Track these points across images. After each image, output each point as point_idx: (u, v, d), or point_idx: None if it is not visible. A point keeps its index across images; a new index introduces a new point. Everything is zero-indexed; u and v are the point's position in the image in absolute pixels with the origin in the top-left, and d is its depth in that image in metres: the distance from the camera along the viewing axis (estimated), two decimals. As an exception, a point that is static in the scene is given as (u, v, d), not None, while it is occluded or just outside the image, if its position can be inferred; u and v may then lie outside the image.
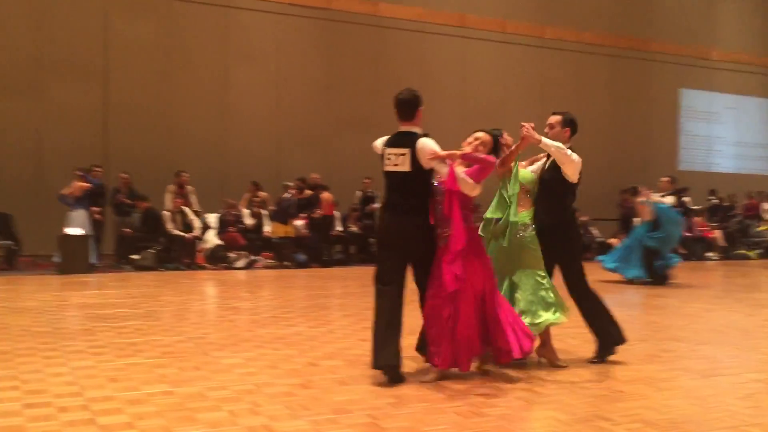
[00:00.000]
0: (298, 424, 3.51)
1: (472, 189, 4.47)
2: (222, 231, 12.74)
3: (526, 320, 4.70)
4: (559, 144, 4.95)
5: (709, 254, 16.38)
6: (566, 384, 4.39)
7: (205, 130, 14.84)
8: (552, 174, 5.01)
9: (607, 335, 5.03)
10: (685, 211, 16.81)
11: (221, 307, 7.95)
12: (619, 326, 5.09)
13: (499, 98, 17.56)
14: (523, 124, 4.75)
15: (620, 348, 5.32)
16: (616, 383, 4.43)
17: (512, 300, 4.82)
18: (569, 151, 4.92)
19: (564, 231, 4.94)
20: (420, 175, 4.55)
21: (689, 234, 16.26)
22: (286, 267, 12.67)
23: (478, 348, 4.47)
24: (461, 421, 3.59)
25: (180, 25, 14.68)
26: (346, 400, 3.93)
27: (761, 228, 17.83)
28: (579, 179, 5.04)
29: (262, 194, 13.48)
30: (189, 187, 13.13)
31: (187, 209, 12.57)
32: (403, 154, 4.65)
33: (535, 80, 18.05)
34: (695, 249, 16.15)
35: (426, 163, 4.54)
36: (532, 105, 17.93)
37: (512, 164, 4.83)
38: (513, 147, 4.81)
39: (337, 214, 13.93)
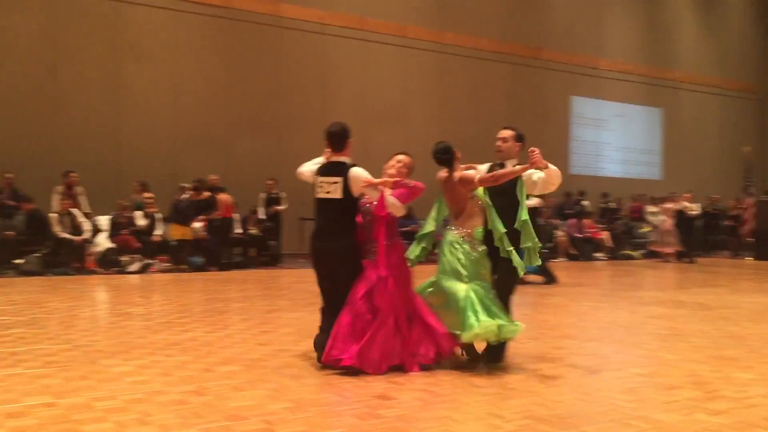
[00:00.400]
0: (190, 432, 3.40)
1: (399, 211, 4.95)
2: (114, 234, 12.25)
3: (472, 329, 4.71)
4: (555, 168, 5.09)
5: (598, 254, 17.15)
6: (462, 384, 4.47)
7: (97, 129, 14.25)
8: (514, 187, 5.08)
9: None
10: (580, 214, 17.59)
11: (112, 313, 7.63)
12: None
13: (399, 102, 17.77)
14: (533, 149, 4.96)
15: (515, 347, 5.49)
16: (509, 381, 4.56)
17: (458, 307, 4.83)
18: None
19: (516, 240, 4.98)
20: (350, 201, 4.96)
21: (579, 235, 17.00)
22: (183, 270, 12.33)
23: (395, 357, 4.73)
24: (358, 423, 3.59)
25: (67, 18, 14.04)
26: (242, 406, 3.85)
27: (645, 229, 18.84)
28: None
29: (148, 195, 12.95)
30: (78, 188, 12.57)
31: (75, 211, 12.01)
32: (335, 182, 4.98)
33: (435, 85, 18.38)
34: (584, 249, 16.89)
35: (357, 191, 4.94)
36: (431, 109, 18.27)
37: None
38: (517, 168, 5.06)
39: (236, 216, 13.68)
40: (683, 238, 16.63)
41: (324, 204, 5.00)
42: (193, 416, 3.66)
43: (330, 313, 4.92)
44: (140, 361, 4.99)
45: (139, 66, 14.73)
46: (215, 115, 15.51)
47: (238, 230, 13.61)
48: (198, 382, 4.41)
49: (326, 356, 4.69)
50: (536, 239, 4.96)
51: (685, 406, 4.01)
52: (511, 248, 4.88)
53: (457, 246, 5.04)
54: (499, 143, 5.45)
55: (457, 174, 5.20)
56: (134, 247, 12.26)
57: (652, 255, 17.24)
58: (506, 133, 5.50)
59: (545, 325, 6.91)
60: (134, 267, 11.99)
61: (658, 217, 17.36)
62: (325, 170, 5.15)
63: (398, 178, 5.05)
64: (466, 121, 18.71)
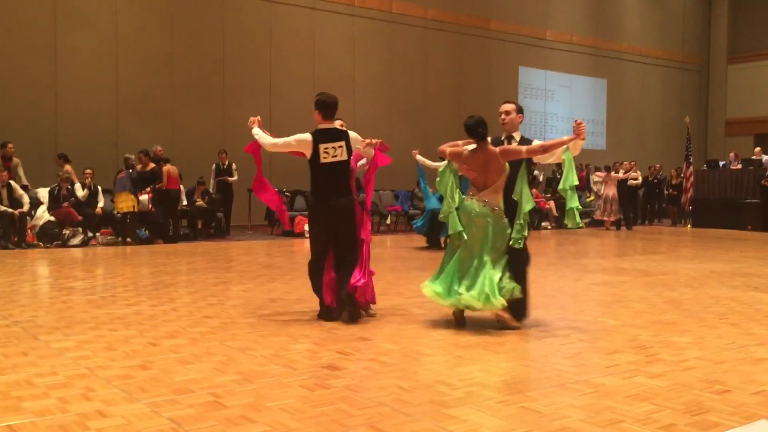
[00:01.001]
0: (135, 407, 3.35)
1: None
2: (55, 206, 11.91)
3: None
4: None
5: (545, 224, 17.45)
6: (411, 353, 4.51)
7: (34, 98, 13.77)
8: (521, 162, 5.36)
9: None
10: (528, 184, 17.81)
11: (54, 287, 7.44)
12: None
13: (348, 71, 17.62)
14: (580, 121, 5.28)
15: (466, 315, 5.58)
16: (457, 349, 4.61)
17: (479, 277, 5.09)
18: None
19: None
20: (349, 161, 5.68)
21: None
22: (128, 244, 12.09)
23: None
24: (306, 394, 3.59)
25: (1, -19, 13.46)
26: (188, 380, 3.81)
27: (590, 199, 19.22)
28: None
29: (68, 168, 12.47)
30: (15, 160, 12.15)
31: (13, 183, 11.62)
32: (341, 146, 5.59)
33: (384, 54, 18.27)
34: (532, 219, 17.13)
35: (355, 149, 5.73)
36: (380, 78, 18.18)
37: (563, 156, 5.30)
38: (565, 138, 5.29)
39: (181, 188, 13.44)
40: (625, 207, 17.06)
41: (333, 166, 5.59)
42: (138, 390, 3.61)
43: (331, 259, 5.61)
44: (83, 336, 4.88)
45: (79, 33, 14.24)
46: (158, 85, 15.14)
47: (184, 202, 13.39)
48: (143, 356, 4.34)
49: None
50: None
51: (626, 369, 4.13)
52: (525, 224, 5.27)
53: (490, 220, 5.20)
54: (503, 117, 5.63)
55: (500, 148, 5.35)
56: (76, 220, 11.94)
57: (596, 223, 17.62)
58: (508, 106, 5.67)
59: (492, 294, 6.99)
60: (76, 240, 11.70)
61: (602, 186, 17.71)
62: (325, 137, 5.65)
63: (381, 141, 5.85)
64: (415, 90, 18.70)
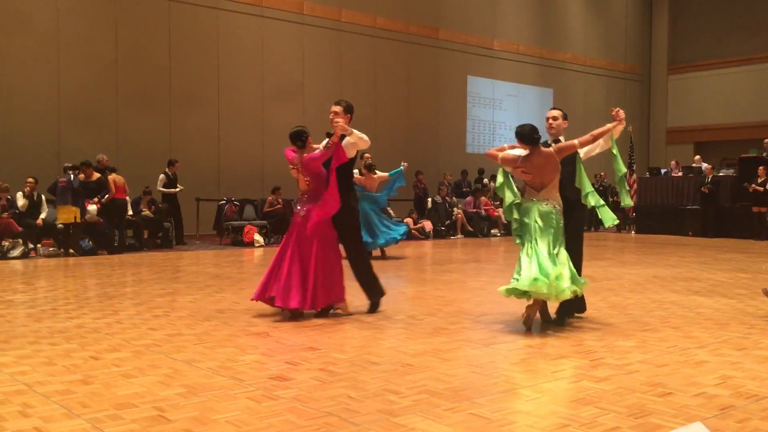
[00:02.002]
0: (75, 423, 3.25)
1: None
2: (-7, 217, 11.53)
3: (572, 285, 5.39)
4: None
5: (494, 231, 17.65)
6: (360, 362, 4.49)
7: (-29, 105, 13.32)
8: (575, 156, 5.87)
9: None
10: (477, 191, 18.00)
11: (-9, 301, 7.19)
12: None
13: (297, 79, 17.55)
14: (618, 109, 5.88)
15: (411, 324, 5.59)
16: (406, 357, 4.61)
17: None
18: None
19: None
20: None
21: (475, 211, 17.42)
22: (71, 255, 11.77)
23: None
24: (253, 406, 3.54)
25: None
26: (131, 394, 3.72)
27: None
28: None
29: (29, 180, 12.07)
30: (-48, 169, 11.72)
31: (-51, 193, 11.22)
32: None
33: (333, 62, 18.26)
34: (481, 226, 17.33)
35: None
36: (330, 87, 18.14)
37: (612, 146, 5.85)
38: (608, 125, 5.83)
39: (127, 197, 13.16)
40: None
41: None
42: (78, 406, 3.50)
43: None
44: (21, 351, 4.72)
45: (18, 37, 13.85)
46: (103, 92, 14.82)
47: (129, 212, 13.11)
48: (84, 370, 4.22)
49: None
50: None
51: (572, 374, 4.19)
52: (602, 203, 5.85)
53: (553, 217, 5.52)
54: (550, 122, 6.01)
55: (555, 146, 5.70)
56: (16, 231, 11.58)
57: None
58: (555, 112, 6.04)
59: (441, 301, 7.04)
60: (16, 252, 11.34)
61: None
62: None
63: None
64: (364, 99, 18.70)
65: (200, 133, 15.96)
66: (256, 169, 16.53)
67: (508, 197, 5.78)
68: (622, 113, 5.86)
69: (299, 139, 6.14)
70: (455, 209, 17.21)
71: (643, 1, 26.63)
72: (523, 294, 5.38)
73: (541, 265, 5.29)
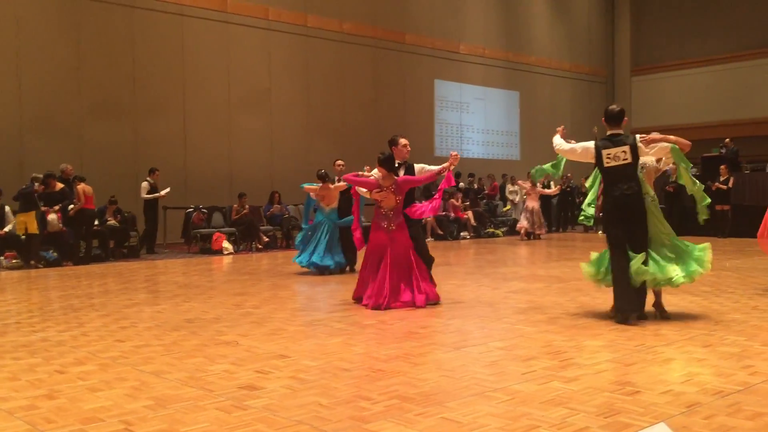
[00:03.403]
0: (39, 440, 3.18)
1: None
2: (-46, 230, 11.26)
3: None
4: None
5: (463, 234, 17.73)
6: (331, 369, 4.46)
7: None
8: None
9: None
10: (446, 194, 18.06)
11: (-48, 316, 7.01)
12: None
13: (264, 86, 17.46)
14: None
15: (382, 329, 5.58)
16: (377, 362, 4.60)
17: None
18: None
19: None
20: None
21: (445, 214, 17.48)
22: (33, 267, 11.53)
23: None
24: (223, 416, 3.50)
25: None
26: (97, 408, 3.65)
27: (506, 208, 19.67)
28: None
29: None
30: None
31: None
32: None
33: (300, 68, 18.20)
34: (451, 229, 17.39)
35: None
36: (297, 92, 18.10)
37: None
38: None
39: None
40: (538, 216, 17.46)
41: None
42: (43, 422, 3.43)
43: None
44: (-17, 366, 4.61)
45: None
46: (65, 100, 14.59)
47: (95, 222, 12.91)
48: (49, 385, 4.13)
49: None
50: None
51: (542, 375, 4.21)
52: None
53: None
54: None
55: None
56: (-22, 244, 11.33)
57: (514, 233, 18.01)
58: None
59: (411, 306, 7.03)
60: (-22, 265, 11.09)
61: (517, 197, 18.13)
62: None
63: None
64: (332, 104, 18.70)
65: (166, 141, 15.79)
66: (223, 176, 16.40)
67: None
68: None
69: (391, 162, 6.92)
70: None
71: (605, 5, 27.01)
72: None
73: None
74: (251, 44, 17.27)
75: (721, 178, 16.36)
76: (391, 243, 6.82)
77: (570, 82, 25.50)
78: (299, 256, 10.25)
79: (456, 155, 7.21)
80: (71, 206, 12.21)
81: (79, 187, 12.36)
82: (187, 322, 6.19)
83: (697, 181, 6.28)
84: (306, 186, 10.39)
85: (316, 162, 17.99)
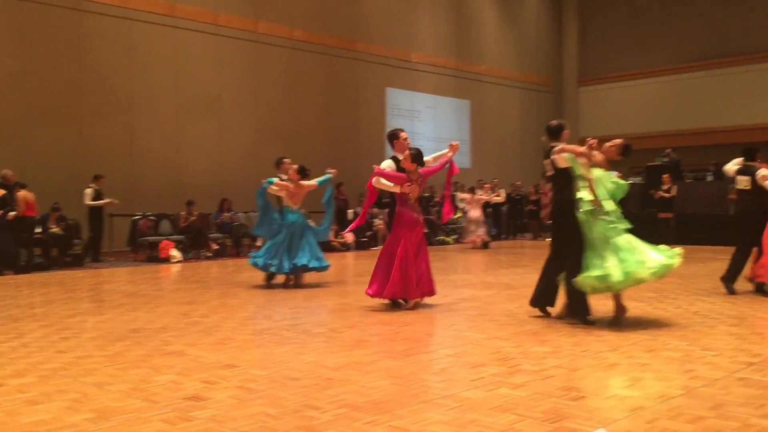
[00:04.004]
0: (-27, 456, 3.06)
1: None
2: None
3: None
4: None
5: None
6: (279, 378, 4.42)
7: None
8: None
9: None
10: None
11: None
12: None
13: (214, 91, 17.27)
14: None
15: (332, 337, 5.55)
16: (326, 371, 4.57)
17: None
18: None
19: None
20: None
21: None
22: (-27, 276, 11.15)
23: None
24: (167, 428, 3.42)
25: None
26: (36, 422, 3.53)
27: (457, 216, 19.81)
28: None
29: None
30: None
31: None
32: None
33: (251, 74, 18.06)
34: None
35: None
36: (247, 99, 17.96)
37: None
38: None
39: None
40: (489, 224, 17.62)
41: None
42: (-23, 438, 3.30)
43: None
44: None
45: None
46: (8, 105, 14.18)
47: (37, 229, 12.55)
48: (-15, 399, 3.98)
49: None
50: None
51: (490, 382, 4.24)
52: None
53: None
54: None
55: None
56: None
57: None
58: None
59: (362, 313, 7.02)
60: None
61: (465, 205, 18.27)
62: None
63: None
64: (283, 111, 18.60)
65: (113, 147, 15.46)
66: (172, 183, 16.13)
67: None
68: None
69: (421, 157, 7.37)
70: (376, 220, 17.27)
71: (553, 17, 27.54)
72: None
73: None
74: (201, 50, 17.06)
75: (664, 187, 16.79)
76: (419, 230, 7.31)
77: (519, 91, 25.89)
78: (273, 260, 9.07)
79: (456, 144, 7.62)
80: (11, 213, 11.83)
81: (19, 194, 11.99)
82: (132, 332, 6.05)
83: (595, 194, 6.14)
84: (276, 181, 9.20)
85: (267, 169, 17.86)
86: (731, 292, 7.98)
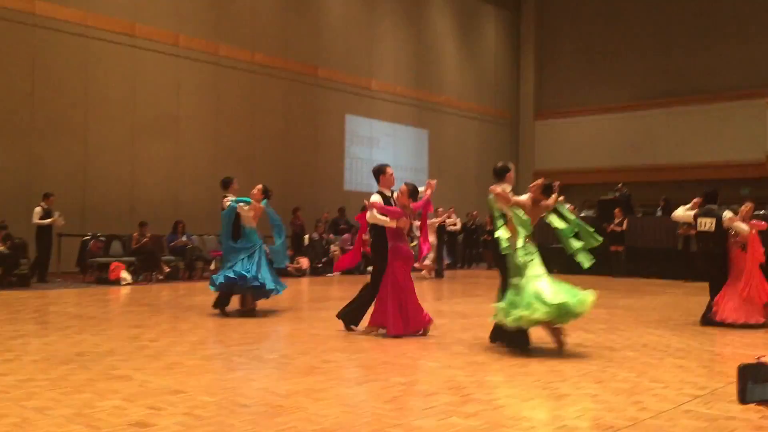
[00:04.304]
0: None
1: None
2: None
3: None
4: None
5: (369, 268, 17.70)
6: (228, 404, 4.33)
7: None
8: None
9: None
10: (353, 228, 18.09)
11: None
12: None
13: (172, 112, 17.09)
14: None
15: (284, 363, 5.48)
16: (277, 398, 4.50)
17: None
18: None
19: None
20: None
21: (350, 248, 17.47)
22: None
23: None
24: (110, 455, 3.32)
25: None
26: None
27: (413, 244, 19.85)
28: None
29: None
30: None
31: None
32: None
33: (210, 97, 17.94)
34: (359, 264, 17.36)
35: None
36: (206, 121, 17.81)
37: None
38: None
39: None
40: (441, 253, 17.60)
41: None
42: None
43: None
44: None
45: None
46: (-45, 119, 13.79)
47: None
48: None
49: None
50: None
51: (442, 411, 4.23)
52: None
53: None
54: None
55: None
56: None
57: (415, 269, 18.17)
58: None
59: (315, 339, 6.96)
60: None
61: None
62: None
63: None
64: (242, 134, 18.50)
65: (64, 165, 15.14)
66: (125, 203, 15.85)
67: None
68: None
69: (417, 193, 7.64)
70: (332, 246, 17.21)
71: (512, 52, 28.08)
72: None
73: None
74: (159, 70, 16.90)
75: (616, 221, 17.13)
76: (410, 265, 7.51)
77: (477, 122, 26.25)
78: (242, 272, 8.73)
79: (434, 183, 7.78)
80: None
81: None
82: (78, 355, 5.88)
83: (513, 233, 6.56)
84: (243, 203, 8.99)
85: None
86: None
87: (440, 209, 18.73)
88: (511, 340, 6.39)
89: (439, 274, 16.30)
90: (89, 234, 14.24)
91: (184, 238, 15.06)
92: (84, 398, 4.41)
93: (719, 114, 23.09)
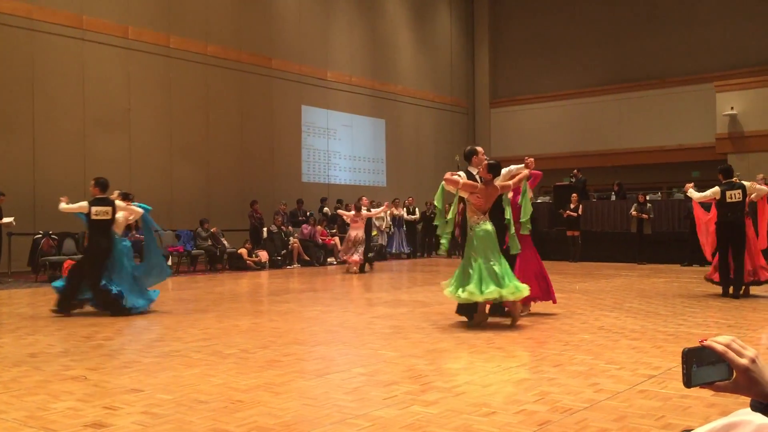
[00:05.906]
0: None
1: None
2: None
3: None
4: None
5: (330, 260, 17.72)
6: (186, 401, 4.28)
7: None
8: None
9: None
10: (326, 219, 18.04)
11: None
12: None
13: (122, 106, 16.75)
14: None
15: (244, 358, 5.43)
16: (236, 393, 4.46)
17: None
18: None
19: None
20: None
21: (311, 240, 17.43)
22: None
23: None
24: (65, 458, 3.25)
25: None
26: None
27: (374, 234, 19.86)
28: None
29: None
30: None
31: None
32: None
33: (162, 89, 17.63)
34: (318, 255, 17.35)
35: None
36: (159, 114, 17.51)
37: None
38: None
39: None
40: (406, 241, 17.73)
41: None
42: None
43: None
44: None
45: None
46: None
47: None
48: None
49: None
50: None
51: (402, 400, 4.24)
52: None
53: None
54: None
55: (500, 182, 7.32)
56: None
57: (380, 258, 18.18)
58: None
59: (275, 333, 6.92)
60: None
61: (385, 224, 18.36)
62: None
63: None
64: (196, 127, 18.24)
65: (12, 162, 14.74)
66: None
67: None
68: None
69: (499, 169, 7.52)
70: (291, 238, 17.12)
71: (466, 40, 28.21)
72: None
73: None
74: (109, 63, 16.54)
75: (572, 206, 17.38)
76: None
77: (434, 111, 26.33)
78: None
79: (531, 161, 8.18)
80: None
81: None
82: (30, 357, 5.74)
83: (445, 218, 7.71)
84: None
85: (179, 185, 17.45)
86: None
87: (396, 200, 18.76)
88: (461, 309, 7.29)
89: (362, 270, 14.99)
90: (41, 232, 13.90)
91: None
92: (37, 400, 4.31)
93: (669, 99, 23.55)
